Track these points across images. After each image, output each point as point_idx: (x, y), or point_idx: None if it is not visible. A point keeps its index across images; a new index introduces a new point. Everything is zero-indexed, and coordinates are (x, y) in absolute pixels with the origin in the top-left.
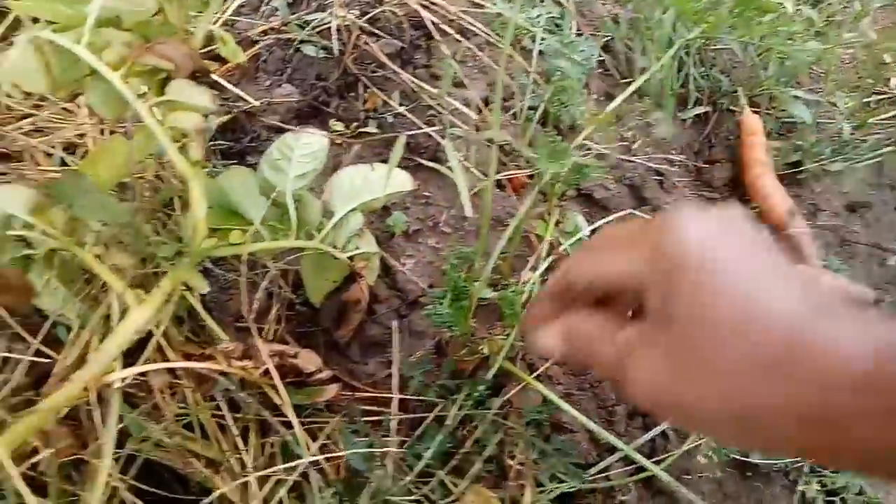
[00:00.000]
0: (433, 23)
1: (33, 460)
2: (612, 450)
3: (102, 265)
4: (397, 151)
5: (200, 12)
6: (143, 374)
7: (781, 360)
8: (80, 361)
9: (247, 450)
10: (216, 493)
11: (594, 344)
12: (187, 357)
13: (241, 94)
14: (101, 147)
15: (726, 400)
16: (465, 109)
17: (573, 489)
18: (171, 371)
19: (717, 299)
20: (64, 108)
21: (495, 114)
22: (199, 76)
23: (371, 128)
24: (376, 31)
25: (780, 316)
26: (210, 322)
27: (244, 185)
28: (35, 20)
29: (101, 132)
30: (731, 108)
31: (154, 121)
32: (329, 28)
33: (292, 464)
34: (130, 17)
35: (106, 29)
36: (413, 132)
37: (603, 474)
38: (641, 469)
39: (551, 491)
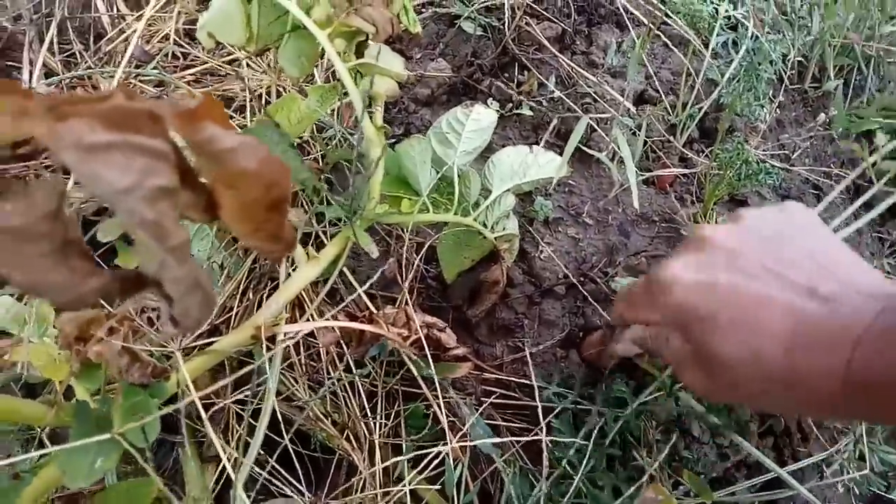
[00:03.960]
0: (598, 11)
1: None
2: (739, 466)
3: None
4: (576, 134)
5: None
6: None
7: (774, 380)
8: (223, 309)
9: (374, 418)
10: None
11: (657, 349)
12: (352, 318)
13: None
14: (280, 101)
15: (739, 396)
16: (623, 100)
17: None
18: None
19: (720, 342)
20: (224, 64)
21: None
22: (392, 42)
23: (524, 110)
24: (539, 13)
25: (768, 350)
26: (357, 286)
27: (420, 155)
28: None
29: (265, 91)
30: None
31: (351, 82)
32: (489, 6)
33: (437, 445)
34: None
35: None
36: (565, 117)
37: (727, 489)
38: (765, 488)
39: (680, 500)
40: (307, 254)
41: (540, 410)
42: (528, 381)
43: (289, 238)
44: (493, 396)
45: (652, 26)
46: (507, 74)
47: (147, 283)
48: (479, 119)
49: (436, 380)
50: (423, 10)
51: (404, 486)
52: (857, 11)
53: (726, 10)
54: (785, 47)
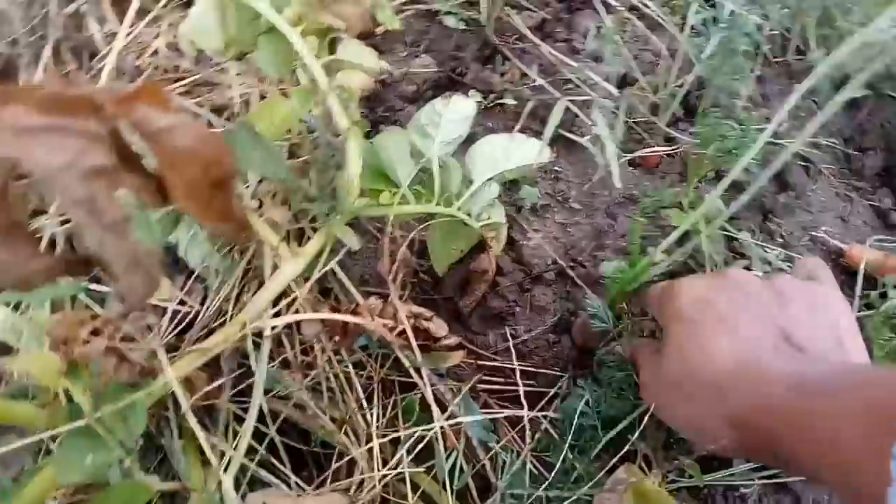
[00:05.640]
0: None
1: None
2: None
3: (258, 219)
4: (554, 119)
5: None
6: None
7: (720, 390)
8: (219, 312)
9: (371, 410)
10: (346, 458)
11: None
12: (334, 310)
13: (381, 63)
14: (263, 105)
15: (686, 419)
16: (604, 84)
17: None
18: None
19: (683, 350)
20: (215, 73)
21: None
22: (366, 38)
23: (508, 99)
24: (519, 3)
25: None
26: (346, 281)
27: (397, 147)
28: None
29: (254, 96)
30: (892, 93)
31: (324, 78)
32: (470, 0)
33: (425, 428)
34: None
35: None
36: (548, 104)
37: (726, 471)
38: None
39: (674, 481)
40: (291, 251)
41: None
42: (526, 368)
43: (240, 217)
44: (490, 385)
45: (624, 9)
46: (490, 66)
47: (92, 262)
48: (457, 109)
49: (422, 370)
50: (406, 7)
51: (400, 472)
52: None
53: None
54: (764, 20)
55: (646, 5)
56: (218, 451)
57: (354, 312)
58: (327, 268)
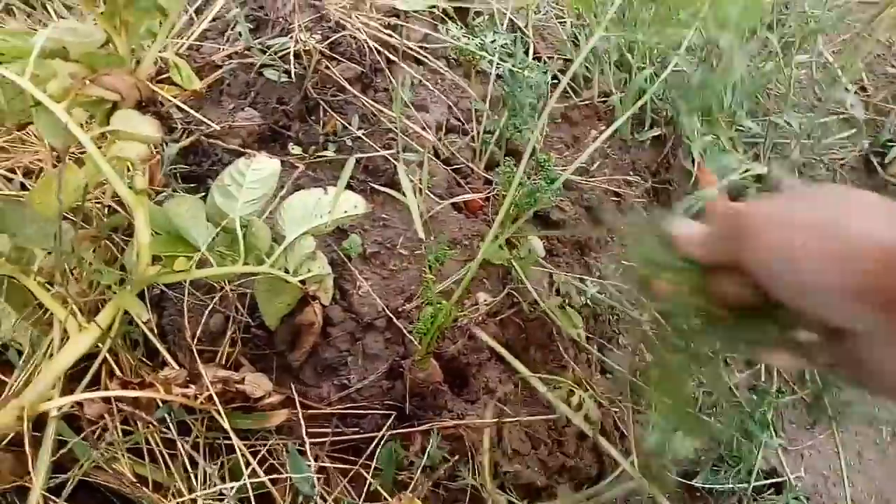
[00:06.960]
0: (394, 48)
1: None
2: (561, 472)
3: (45, 292)
4: (346, 174)
5: (152, 42)
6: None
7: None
8: (27, 385)
9: (195, 473)
10: None
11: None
12: (125, 385)
13: (202, 118)
14: (51, 175)
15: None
16: (422, 133)
17: None
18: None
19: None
20: (23, 135)
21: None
22: (146, 106)
23: (329, 151)
24: (336, 56)
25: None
26: (160, 347)
27: (190, 212)
28: None
29: (58, 159)
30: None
31: (96, 151)
32: (296, 52)
33: (232, 485)
34: (77, 49)
35: (52, 60)
36: (370, 155)
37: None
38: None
39: None
40: (80, 325)
41: None
42: (359, 416)
43: None
44: (322, 437)
45: (447, 62)
46: (313, 118)
47: None
48: (261, 169)
49: (230, 431)
50: (228, 61)
51: None
52: (619, 32)
53: (493, 41)
54: (559, 67)
55: (456, 59)
56: None
57: (144, 385)
58: (110, 341)
